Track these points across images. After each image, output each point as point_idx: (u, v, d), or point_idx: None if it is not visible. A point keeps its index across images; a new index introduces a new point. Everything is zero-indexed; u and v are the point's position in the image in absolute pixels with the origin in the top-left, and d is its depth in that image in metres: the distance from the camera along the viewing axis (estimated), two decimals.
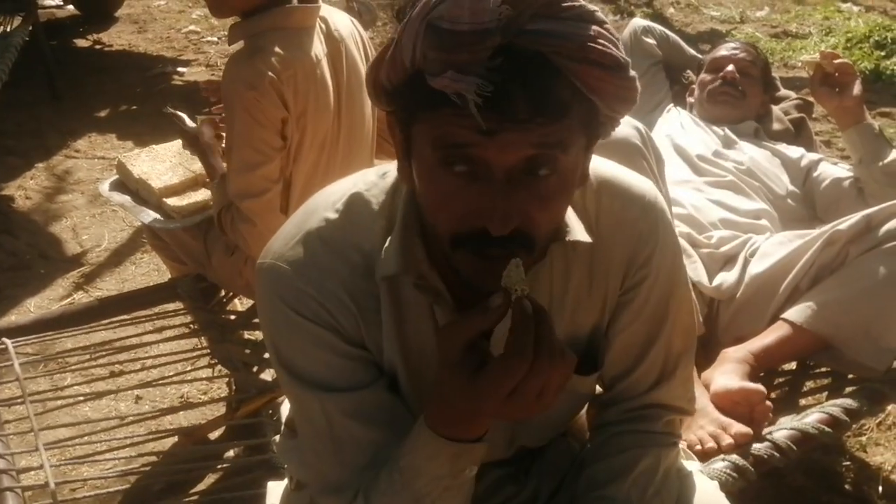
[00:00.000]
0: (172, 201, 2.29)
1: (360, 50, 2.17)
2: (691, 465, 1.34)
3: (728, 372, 1.83)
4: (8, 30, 4.23)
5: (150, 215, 2.26)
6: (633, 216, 1.13)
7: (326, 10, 2.10)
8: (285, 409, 1.36)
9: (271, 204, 2.02)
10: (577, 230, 1.08)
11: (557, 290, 1.13)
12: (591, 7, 0.93)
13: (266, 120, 1.94)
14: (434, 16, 0.89)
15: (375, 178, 1.12)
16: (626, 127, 1.73)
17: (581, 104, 0.93)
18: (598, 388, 1.29)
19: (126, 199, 2.34)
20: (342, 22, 2.14)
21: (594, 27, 0.91)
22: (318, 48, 2.01)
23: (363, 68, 2.15)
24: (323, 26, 2.06)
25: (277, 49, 1.93)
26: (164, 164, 2.41)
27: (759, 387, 1.76)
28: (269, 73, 1.90)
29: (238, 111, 1.94)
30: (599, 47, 0.91)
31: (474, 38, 0.87)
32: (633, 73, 0.96)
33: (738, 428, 1.67)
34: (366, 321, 1.09)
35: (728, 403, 1.74)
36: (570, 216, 1.08)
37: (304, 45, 1.98)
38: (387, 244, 1.06)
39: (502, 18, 0.87)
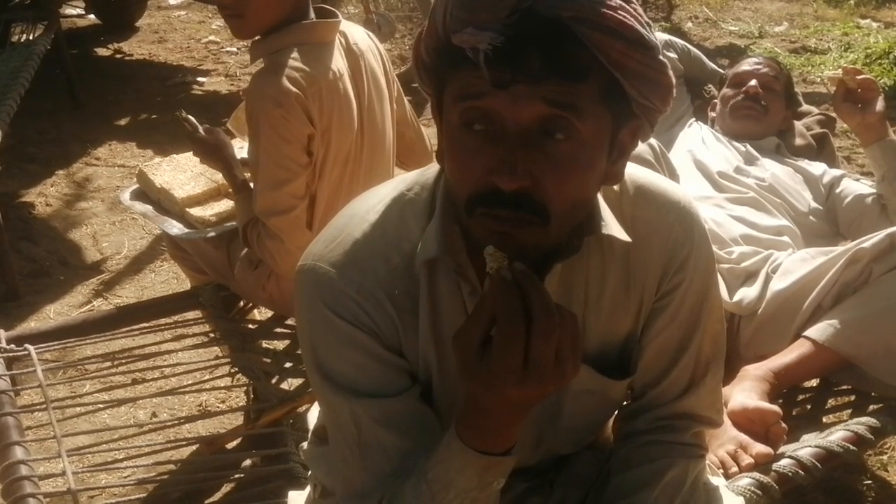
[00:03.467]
0: (195, 211, 2.28)
1: (379, 63, 2.16)
2: (717, 480, 1.34)
3: (746, 389, 1.82)
4: (30, 38, 4.27)
5: (173, 225, 2.26)
6: (668, 221, 1.14)
7: (344, 25, 2.10)
8: (312, 417, 1.36)
9: (298, 220, 2.01)
10: (613, 226, 1.08)
11: (593, 292, 1.13)
12: None
13: (292, 137, 1.93)
14: None
15: (415, 177, 1.14)
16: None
17: (601, 76, 0.94)
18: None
19: (148, 208, 2.34)
20: (360, 36, 2.13)
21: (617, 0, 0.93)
22: (340, 63, 2.01)
23: (383, 82, 2.14)
24: (342, 41, 2.05)
25: (301, 65, 1.93)
26: (185, 173, 2.41)
27: (775, 407, 1.75)
28: (295, 90, 1.89)
29: (264, 129, 1.93)
30: (619, 17, 0.92)
31: None
32: (661, 57, 0.96)
33: (759, 448, 1.66)
34: (403, 323, 1.09)
35: (744, 421, 1.73)
36: (607, 213, 1.08)
37: (326, 60, 1.97)
38: (427, 229, 1.07)
39: None
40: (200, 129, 2.17)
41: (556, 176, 0.95)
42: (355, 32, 2.13)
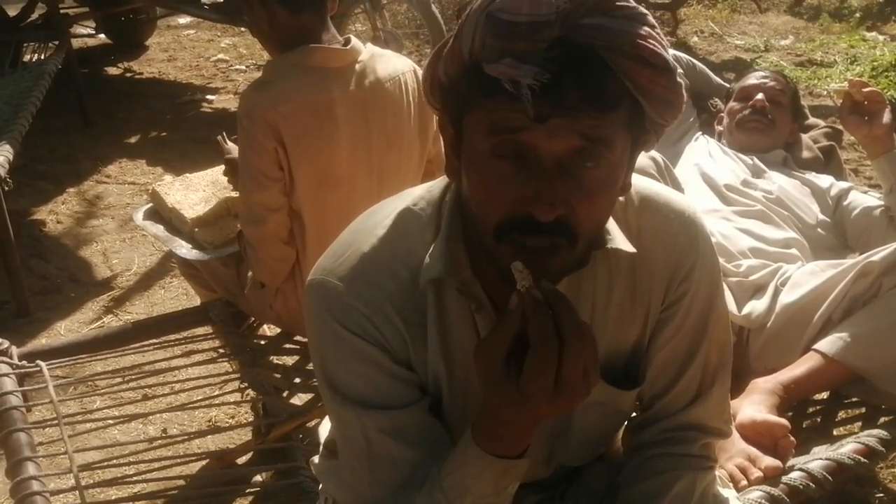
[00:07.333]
0: (204, 231, 2.31)
1: (409, 98, 2.12)
2: (727, 492, 1.34)
3: (755, 402, 1.82)
4: (42, 58, 4.32)
5: (182, 247, 2.29)
6: (673, 231, 1.15)
7: (371, 56, 2.08)
8: (323, 430, 1.37)
9: (272, 232, 2.06)
10: (619, 239, 1.09)
11: (600, 303, 1.14)
12: (643, 10, 0.96)
13: (260, 149, 1.98)
14: (494, 7, 0.93)
15: (422, 191, 1.15)
16: (643, 157, 1.76)
17: (628, 103, 0.96)
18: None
19: (159, 228, 2.38)
20: (388, 69, 2.09)
21: (645, 27, 0.94)
22: (339, 89, 2.01)
23: (408, 115, 2.12)
24: (357, 69, 2.04)
25: (284, 83, 1.97)
26: (197, 193, 2.44)
27: (783, 421, 1.75)
28: (265, 104, 1.95)
29: (240, 139, 2.03)
30: (650, 46, 0.94)
31: (532, 29, 0.91)
32: (680, 79, 0.98)
33: (768, 461, 1.66)
34: (412, 336, 1.10)
35: (752, 434, 1.73)
36: (612, 226, 1.09)
37: (319, 84, 1.99)
38: (432, 248, 1.08)
39: (560, 12, 0.91)
40: (234, 150, 2.26)
41: (587, 201, 0.97)
42: (382, 65, 2.09)
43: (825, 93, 5.05)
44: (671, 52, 0.99)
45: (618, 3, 0.93)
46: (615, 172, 0.99)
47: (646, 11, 0.96)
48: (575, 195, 0.95)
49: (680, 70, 3.00)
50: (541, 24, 0.91)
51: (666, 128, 1.04)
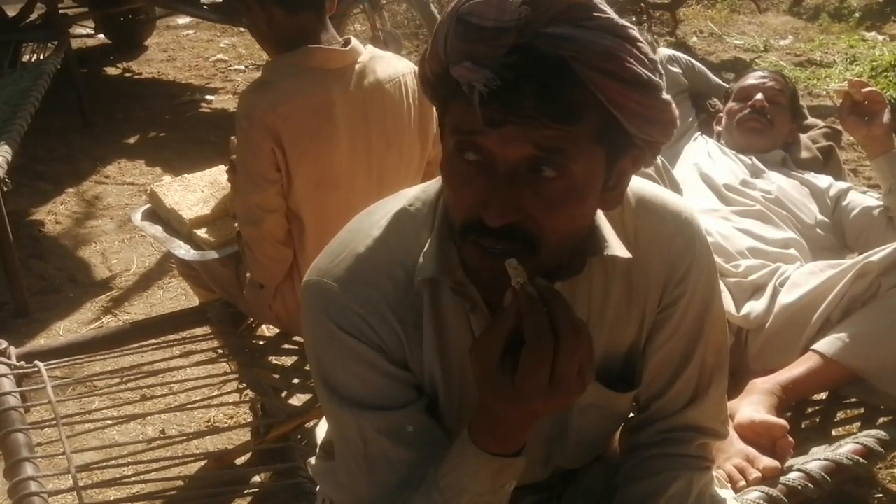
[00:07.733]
0: (202, 232, 2.31)
1: (409, 100, 2.12)
2: (725, 492, 1.33)
3: (754, 403, 1.82)
4: (41, 58, 4.32)
5: (181, 247, 2.30)
6: (669, 232, 1.15)
7: (371, 57, 2.08)
8: (320, 432, 1.37)
9: (268, 233, 2.06)
10: (615, 245, 1.08)
11: (596, 305, 1.14)
12: (622, 22, 0.93)
13: (258, 150, 1.97)
14: (465, 10, 0.93)
15: (418, 192, 1.15)
16: None
17: (598, 115, 0.94)
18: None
19: (158, 229, 2.38)
20: (388, 70, 2.09)
21: (618, 40, 0.92)
22: (339, 90, 2.00)
23: (408, 117, 2.11)
24: (358, 69, 2.04)
25: (283, 84, 1.97)
26: (195, 194, 2.44)
27: (781, 421, 1.75)
28: (264, 105, 1.94)
29: (238, 140, 2.03)
30: (620, 60, 0.91)
31: (494, 34, 0.91)
32: (664, 96, 0.96)
33: (767, 462, 1.65)
34: (408, 337, 1.10)
35: (751, 434, 1.73)
36: (608, 231, 1.08)
37: (319, 84, 1.98)
38: (426, 248, 1.08)
39: (522, 19, 0.90)
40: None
41: (545, 211, 0.96)
42: (381, 66, 2.08)
43: (824, 93, 5.05)
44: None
45: (593, 14, 0.91)
46: (582, 185, 0.97)
47: (626, 24, 0.94)
48: (532, 204, 0.95)
49: (677, 67, 2.98)
50: (503, 30, 0.90)
51: (661, 144, 1.02)
